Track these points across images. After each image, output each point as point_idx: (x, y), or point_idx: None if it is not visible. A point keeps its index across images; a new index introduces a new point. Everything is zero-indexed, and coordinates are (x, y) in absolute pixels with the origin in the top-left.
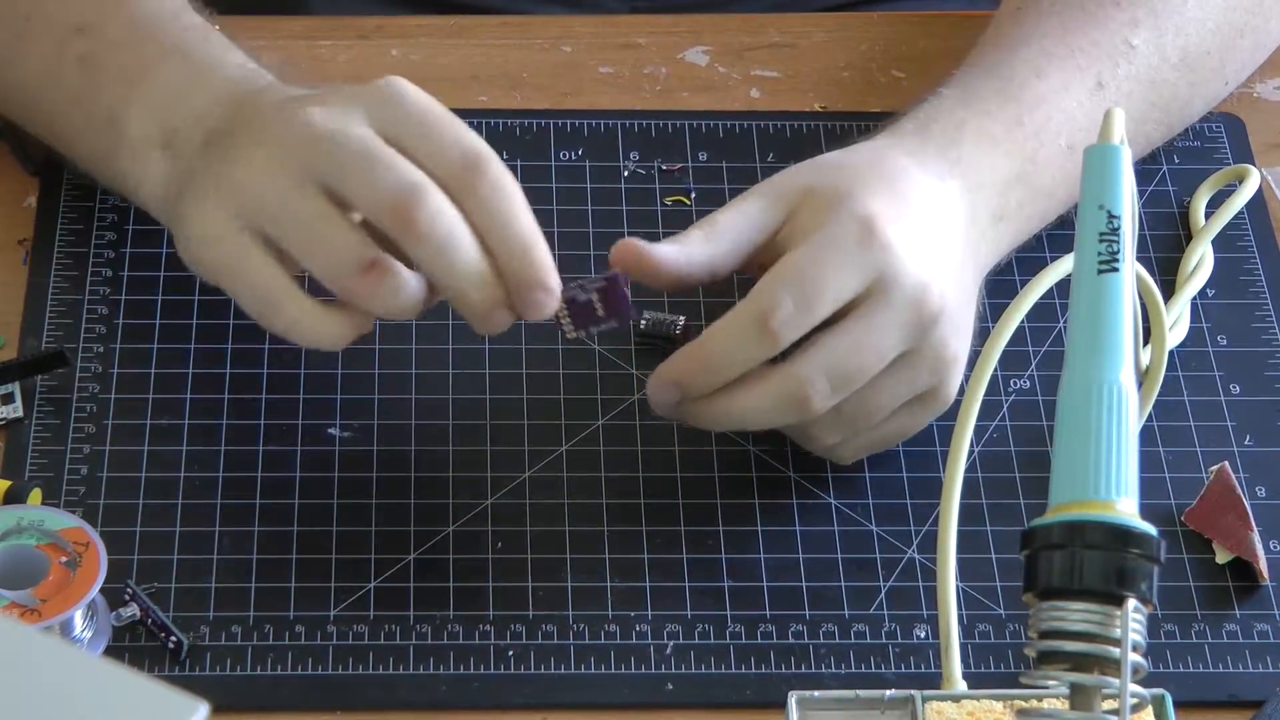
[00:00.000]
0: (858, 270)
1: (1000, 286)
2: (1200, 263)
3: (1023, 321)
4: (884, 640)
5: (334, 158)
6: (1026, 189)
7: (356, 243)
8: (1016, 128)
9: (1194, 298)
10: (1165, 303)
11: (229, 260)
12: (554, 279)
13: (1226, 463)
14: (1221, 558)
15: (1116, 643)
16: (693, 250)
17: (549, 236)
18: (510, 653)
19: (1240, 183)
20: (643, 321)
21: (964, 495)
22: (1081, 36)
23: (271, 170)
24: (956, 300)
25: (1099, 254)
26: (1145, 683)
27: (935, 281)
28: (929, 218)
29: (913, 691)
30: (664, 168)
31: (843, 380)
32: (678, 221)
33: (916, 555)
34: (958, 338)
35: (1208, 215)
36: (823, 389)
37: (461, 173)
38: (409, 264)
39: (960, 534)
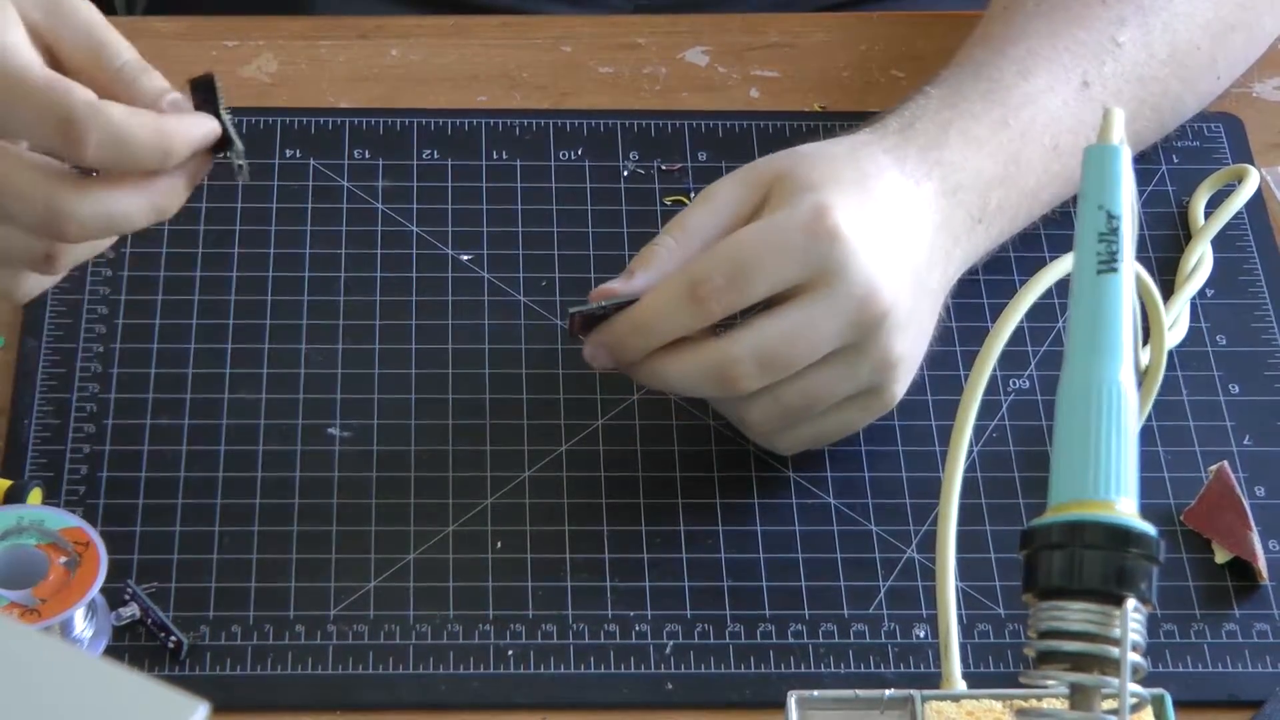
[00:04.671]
0: (799, 256)
1: (1000, 286)
2: (1199, 263)
3: (1022, 321)
4: (883, 640)
5: None
6: (1009, 190)
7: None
8: (1001, 129)
9: (1193, 298)
10: (1164, 303)
11: None
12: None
13: (1226, 462)
14: (1221, 558)
15: (1116, 643)
16: (664, 265)
17: (548, 237)
18: (510, 653)
19: (1239, 183)
20: (572, 308)
21: (963, 495)
22: (1068, 36)
23: None
24: (910, 303)
25: (1098, 254)
26: (1145, 683)
27: (887, 281)
28: (894, 217)
29: (912, 691)
30: (664, 168)
31: (771, 365)
32: None
33: (916, 555)
34: (905, 340)
35: (1207, 215)
36: (750, 370)
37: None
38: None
39: (960, 534)
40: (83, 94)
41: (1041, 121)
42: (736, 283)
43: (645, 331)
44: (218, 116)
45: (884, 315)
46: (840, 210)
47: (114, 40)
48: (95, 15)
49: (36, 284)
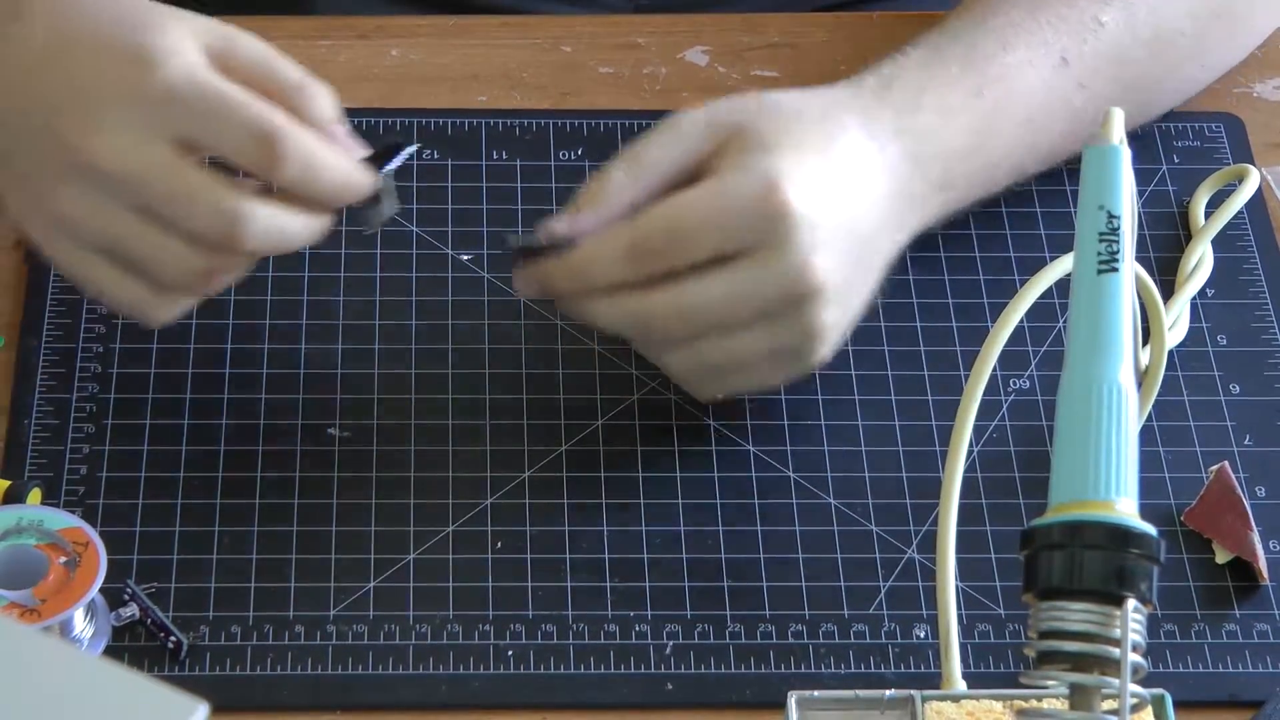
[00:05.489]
0: (743, 227)
1: (1000, 286)
2: (1200, 263)
3: (1022, 321)
4: (884, 640)
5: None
6: (977, 160)
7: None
8: (975, 99)
9: (1194, 298)
10: (1165, 303)
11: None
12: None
13: (1226, 463)
14: (1221, 558)
15: (1116, 643)
16: (613, 203)
17: None
18: (510, 653)
19: (1240, 182)
20: (509, 236)
21: (964, 495)
22: (1050, 12)
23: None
24: (845, 275)
25: (1099, 254)
26: (1145, 683)
27: (824, 258)
28: (847, 185)
29: (912, 691)
30: None
31: (694, 324)
32: None
33: (916, 555)
34: (834, 312)
35: (1207, 215)
36: (673, 326)
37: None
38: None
39: (960, 534)
40: (283, 114)
41: (1017, 94)
42: (675, 248)
43: (579, 278)
44: (379, 172)
45: (815, 292)
46: (792, 183)
47: (283, 64)
48: (264, 46)
49: (176, 308)
